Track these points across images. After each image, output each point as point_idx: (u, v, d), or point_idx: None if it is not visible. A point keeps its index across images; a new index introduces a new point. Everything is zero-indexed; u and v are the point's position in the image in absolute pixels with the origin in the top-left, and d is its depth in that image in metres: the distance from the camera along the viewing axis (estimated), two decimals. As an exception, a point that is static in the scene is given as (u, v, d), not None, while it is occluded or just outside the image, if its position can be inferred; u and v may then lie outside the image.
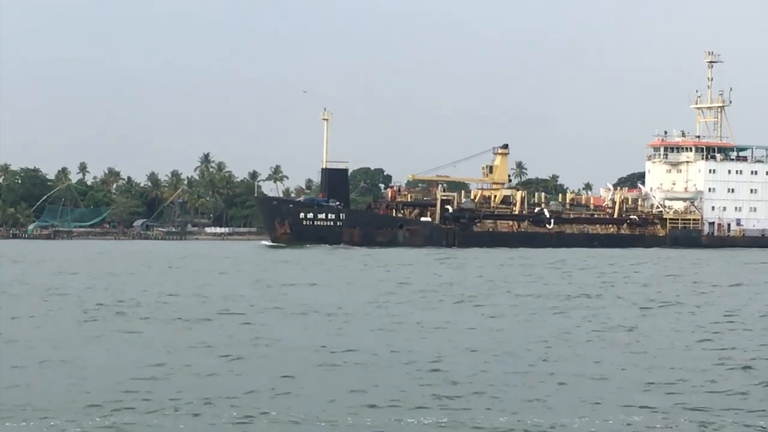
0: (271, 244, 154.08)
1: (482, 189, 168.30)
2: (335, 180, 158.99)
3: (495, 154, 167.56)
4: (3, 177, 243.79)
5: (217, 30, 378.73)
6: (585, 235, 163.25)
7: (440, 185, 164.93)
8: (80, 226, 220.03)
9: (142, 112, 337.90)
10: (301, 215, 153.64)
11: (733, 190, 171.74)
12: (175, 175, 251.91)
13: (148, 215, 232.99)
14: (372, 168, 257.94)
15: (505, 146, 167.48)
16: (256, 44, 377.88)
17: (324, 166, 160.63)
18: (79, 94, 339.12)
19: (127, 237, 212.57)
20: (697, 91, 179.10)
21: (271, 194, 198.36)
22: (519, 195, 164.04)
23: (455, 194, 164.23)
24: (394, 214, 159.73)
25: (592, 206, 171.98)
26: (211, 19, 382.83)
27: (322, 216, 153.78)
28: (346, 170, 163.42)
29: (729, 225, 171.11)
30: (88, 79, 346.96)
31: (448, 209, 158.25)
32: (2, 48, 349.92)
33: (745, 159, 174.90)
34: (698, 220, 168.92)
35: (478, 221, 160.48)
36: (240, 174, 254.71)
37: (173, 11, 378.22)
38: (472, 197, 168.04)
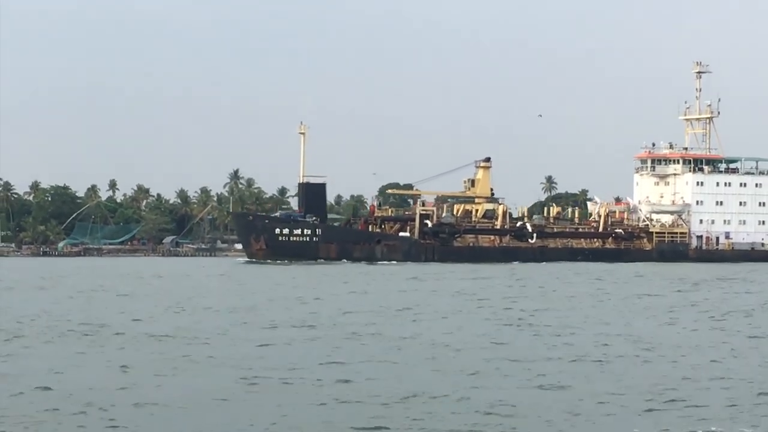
0: (247, 260, 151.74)
1: (464, 203, 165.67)
2: (313, 194, 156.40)
3: (477, 167, 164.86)
4: (33, 195, 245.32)
5: (241, 48, 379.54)
6: (568, 249, 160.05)
7: (419, 200, 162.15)
8: (110, 244, 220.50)
9: (171, 130, 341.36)
10: (277, 231, 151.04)
11: (721, 203, 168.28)
12: (205, 191, 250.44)
13: (177, 232, 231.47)
14: (401, 183, 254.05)
15: (488, 159, 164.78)
16: (283, 61, 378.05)
17: (301, 181, 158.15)
18: (109, 112, 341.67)
19: (157, 254, 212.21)
20: (686, 102, 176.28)
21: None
22: (501, 209, 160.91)
23: (435, 208, 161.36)
24: (372, 230, 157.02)
25: (576, 220, 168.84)
26: (237, 38, 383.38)
27: (298, 231, 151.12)
28: (323, 185, 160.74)
29: (717, 238, 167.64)
30: (118, 98, 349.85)
31: (427, 224, 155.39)
32: (33, 68, 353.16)
33: (734, 171, 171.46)
34: (685, 233, 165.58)
35: (459, 236, 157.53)
36: (269, 190, 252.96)
37: (200, 30, 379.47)
38: (454, 211, 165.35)
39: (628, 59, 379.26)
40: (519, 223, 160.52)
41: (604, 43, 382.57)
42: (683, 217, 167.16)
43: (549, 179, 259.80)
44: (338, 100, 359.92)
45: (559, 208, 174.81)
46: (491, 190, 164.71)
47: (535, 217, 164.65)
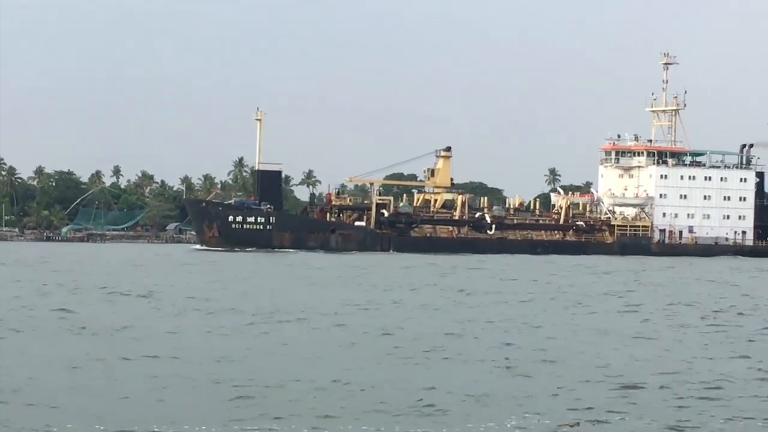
0: (200, 247, 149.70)
1: (424, 193, 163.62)
2: (268, 182, 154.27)
3: (438, 156, 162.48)
4: (37, 180, 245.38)
5: (244, 38, 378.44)
6: (528, 242, 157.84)
7: (377, 188, 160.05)
8: (114, 229, 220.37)
9: (176, 116, 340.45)
10: (230, 218, 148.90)
11: (685, 197, 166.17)
12: (209, 178, 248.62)
13: (181, 219, 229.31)
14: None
15: (448, 149, 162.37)
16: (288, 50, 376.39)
17: (257, 168, 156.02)
18: (114, 98, 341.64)
19: (161, 240, 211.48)
20: (652, 94, 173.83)
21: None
22: (460, 199, 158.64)
23: (391, 198, 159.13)
24: (329, 219, 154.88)
25: (537, 212, 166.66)
26: (240, 26, 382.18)
27: (251, 219, 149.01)
28: (279, 172, 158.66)
29: (681, 232, 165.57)
30: (123, 85, 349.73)
31: (383, 213, 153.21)
32: (38, 55, 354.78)
33: (699, 164, 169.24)
34: (648, 227, 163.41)
35: (416, 226, 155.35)
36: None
37: (207, 18, 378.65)
38: (414, 201, 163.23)
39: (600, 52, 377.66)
40: (478, 214, 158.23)
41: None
42: (646, 210, 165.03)
43: (552, 171, 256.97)
44: (291, 87, 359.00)
45: (521, 199, 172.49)
46: (451, 179, 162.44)
47: (495, 208, 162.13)
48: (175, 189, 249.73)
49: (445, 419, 23.64)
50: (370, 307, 52.95)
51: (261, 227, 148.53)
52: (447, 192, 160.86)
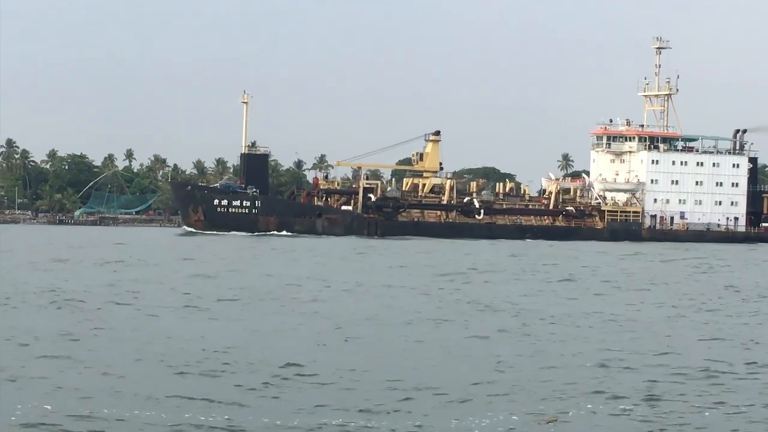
0: (186, 230, 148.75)
1: (412, 177, 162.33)
2: (254, 166, 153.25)
3: (427, 140, 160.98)
4: (50, 163, 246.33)
5: (256, 25, 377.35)
6: (516, 227, 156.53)
7: (364, 172, 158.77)
8: (126, 213, 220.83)
9: (188, 100, 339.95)
10: (216, 202, 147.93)
11: (677, 182, 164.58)
12: (221, 162, 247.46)
13: None
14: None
15: (437, 133, 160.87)
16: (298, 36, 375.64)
17: (243, 151, 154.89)
18: (127, 83, 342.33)
19: (173, 224, 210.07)
20: (645, 78, 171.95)
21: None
22: (449, 184, 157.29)
23: (379, 182, 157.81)
24: (316, 202, 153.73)
25: (527, 197, 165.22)
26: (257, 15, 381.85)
27: (237, 203, 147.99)
28: (266, 156, 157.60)
29: (672, 218, 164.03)
30: (136, 69, 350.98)
31: (370, 198, 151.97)
32: (52, 39, 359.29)
33: (691, 150, 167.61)
34: (639, 212, 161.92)
35: (403, 210, 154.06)
36: (286, 163, 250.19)
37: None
38: (402, 186, 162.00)
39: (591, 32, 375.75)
40: (466, 199, 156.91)
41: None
42: (637, 195, 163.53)
43: (565, 157, 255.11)
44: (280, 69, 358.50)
45: (512, 184, 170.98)
46: (440, 164, 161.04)
47: (484, 192, 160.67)
48: (187, 173, 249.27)
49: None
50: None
51: (247, 211, 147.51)
52: (435, 176, 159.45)
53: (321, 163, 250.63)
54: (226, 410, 22.44)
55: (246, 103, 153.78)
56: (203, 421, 21.49)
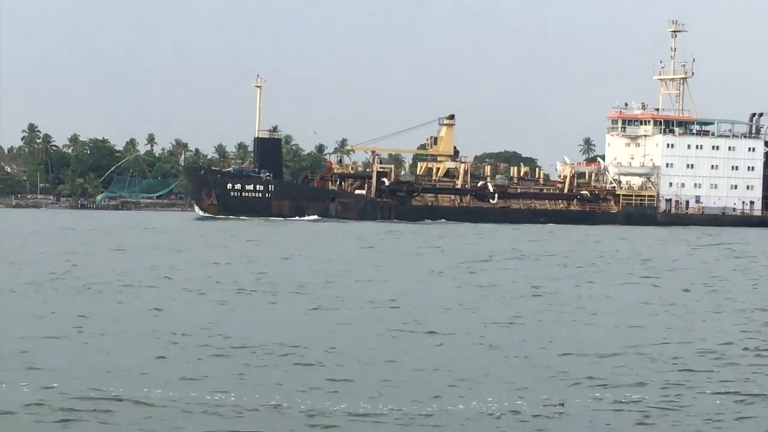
0: (200, 215, 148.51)
1: (427, 161, 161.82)
2: (268, 150, 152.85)
3: (441, 125, 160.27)
4: (72, 148, 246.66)
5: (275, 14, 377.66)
6: (531, 211, 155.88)
7: (377, 157, 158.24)
8: (148, 197, 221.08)
9: (209, 85, 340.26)
10: (229, 186, 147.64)
11: (692, 166, 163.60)
12: (242, 147, 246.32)
13: None
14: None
15: (452, 117, 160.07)
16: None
17: (256, 136, 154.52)
18: (148, 68, 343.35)
19: (193, 209, 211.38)
20: (661, 62, 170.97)
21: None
22: (463, 168, 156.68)
23: (392, 166, 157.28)
24: (329, 187, 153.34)
25: (541, 181, 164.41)
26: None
27: (250, 187, 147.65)
28: (279, 140, 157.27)
29: (687, 202, 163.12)
30: (158, 53, 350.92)
31: (384, 182, 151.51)
32: (74, 25, 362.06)
33: (707, 133, 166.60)
34: (654, 196, 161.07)
35: (417, 195, 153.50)
36: (307, 147, 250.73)
37: None
38: (417, 170, 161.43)
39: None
40: (480, 183, 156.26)
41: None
42: (652, 179, 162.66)
43: (587, 141, 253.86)
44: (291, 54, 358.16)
45: (527, 168, 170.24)
46: (455, 148, 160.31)
47: (498, 176, 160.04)
48: (209, 157, 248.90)
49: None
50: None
51: (260, 195, 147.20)
52: (450, 160, 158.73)
53: (342, 147, 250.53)
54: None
55: (259, 87, 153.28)
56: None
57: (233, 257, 62.98)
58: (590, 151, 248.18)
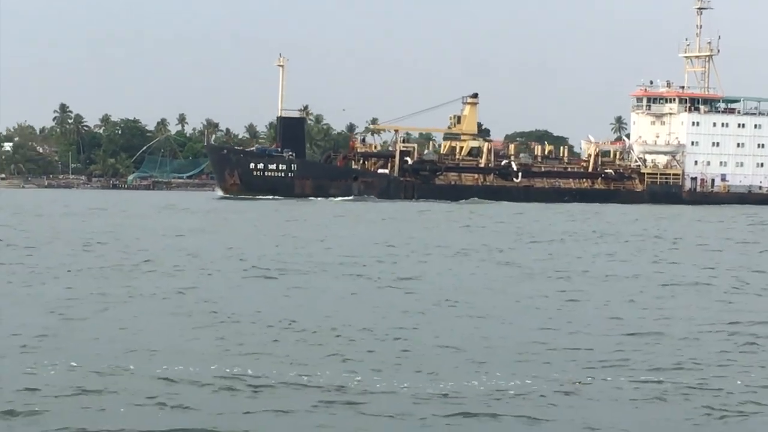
0: (222, 195, 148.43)
1: (450, 140, 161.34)
2: (290, 129, 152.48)
3: (464, 103, 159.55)
4: (103, 128, 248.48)
5: None
6: (555, 189, 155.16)
7: (400, 135, 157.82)
8: (178, 177, 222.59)
9: (240, 64, 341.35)
10: (251, 165, 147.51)
11: (718, 144, 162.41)
12: (273, 126, 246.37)
13: None
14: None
15: (475, 95, 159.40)
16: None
17: (279, 115, 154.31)
18: (178, 47, 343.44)
19: None
20: (686, 39, 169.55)
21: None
22: (486, 147, 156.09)
23: (416, 145, 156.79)
24: (353, 166, 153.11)
25: (565, 159, 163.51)
26: None
27: (272, 167, 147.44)
28: (302, 119, 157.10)
29: (713, 181, 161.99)
30: (187, 33, 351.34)
31: (407, 161, 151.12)
32: (105, 7, 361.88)
33: (732, 111, 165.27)
34: (679, 175, 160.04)
35: (441, 174, 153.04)
36: (338, 127, 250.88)
37: None
38: (441, 149, 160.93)
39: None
40: (504, 162, 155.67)
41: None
42: (677, 158, 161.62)
43: (618, 120, 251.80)
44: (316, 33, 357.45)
45: (551, 147, 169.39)
46: (479, 125, 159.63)
47: (521, 155, 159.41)
48: (240, 137, 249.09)
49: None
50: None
51: (283, 175, 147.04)
52: (473, 139, 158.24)
53: (373, 123, 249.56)
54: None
55: (282, 66, 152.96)
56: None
57: (284, 239, 60.22)
58: (621, 130, 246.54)
